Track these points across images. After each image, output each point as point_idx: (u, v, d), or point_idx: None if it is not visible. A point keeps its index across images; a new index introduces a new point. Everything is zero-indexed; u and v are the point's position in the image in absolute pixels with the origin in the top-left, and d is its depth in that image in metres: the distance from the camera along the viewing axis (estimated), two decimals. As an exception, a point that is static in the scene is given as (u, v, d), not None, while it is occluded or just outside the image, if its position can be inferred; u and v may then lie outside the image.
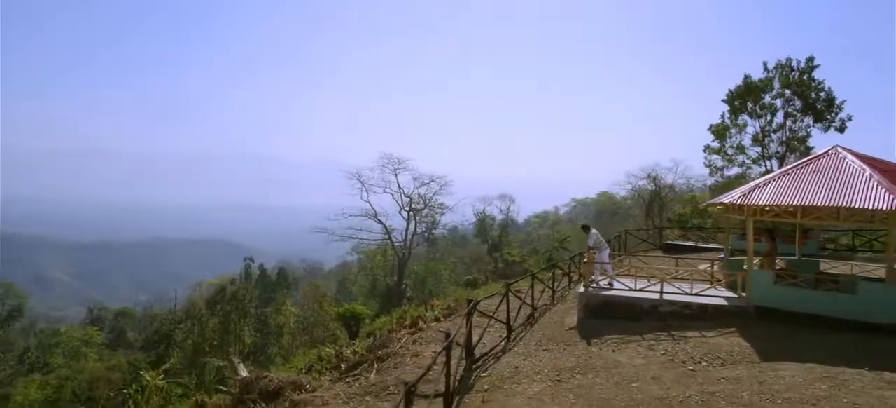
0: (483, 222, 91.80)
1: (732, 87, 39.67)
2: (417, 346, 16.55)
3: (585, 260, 17.71)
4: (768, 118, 39.06)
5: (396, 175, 57.52)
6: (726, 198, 16.13)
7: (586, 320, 16.26)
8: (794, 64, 37.73)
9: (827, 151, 16.17)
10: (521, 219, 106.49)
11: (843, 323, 14.20)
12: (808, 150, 38.16)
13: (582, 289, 16.66)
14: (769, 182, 15.54)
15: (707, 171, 43.08)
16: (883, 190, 13.68)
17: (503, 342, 15.81)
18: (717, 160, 41.12)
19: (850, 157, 15.48)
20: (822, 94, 37.13)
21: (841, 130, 37.03)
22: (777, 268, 18.27)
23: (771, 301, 15.11)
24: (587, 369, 12.77)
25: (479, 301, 15.10)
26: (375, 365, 15.60)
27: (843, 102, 36.94)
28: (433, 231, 67.45)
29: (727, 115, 40.32)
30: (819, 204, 14.02)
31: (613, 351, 13.89)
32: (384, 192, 57.36)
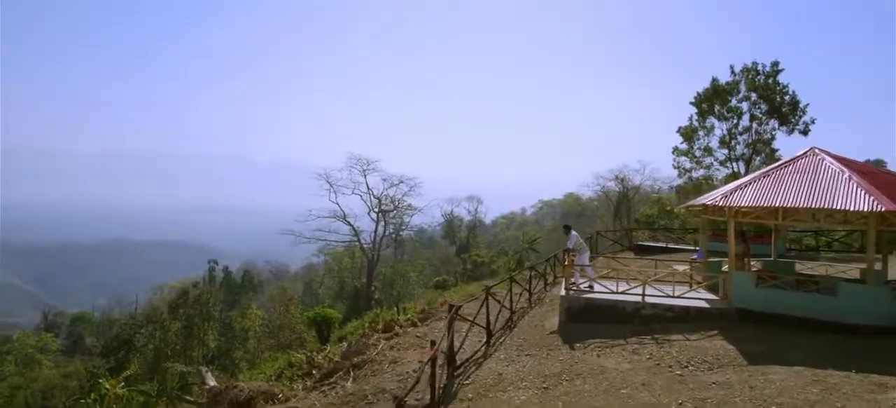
0: (451, 224, 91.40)
1: (700, 90, 39.94)
2: (395, 352, 15.94)
3: (566, 263, 17.27)
4: (734, 121, 39.40)
5: (365, 176, 56.64)
6: (708, 199, 15.94)
7: (568, 324, 15.89)
8: (759, 67, 38.14)
9: (805, 153, 16.11)
10: (488, 220, 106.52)
11: (824, 324, 14.12)
12: (773, 152, 38.60)
13: (563, 292, 16.29)
14: (751, 183, 15.40)
15: (675, 172, 43.30)
16: (863, 192, 13.61)
17: (483, 347, 15.28)
18: (686, 162, 41.37)
19: (828, 159, 15.44)
20: (787, 97, 37.57)
21: (805, 132, 37.55)
22: (754, 269, 18.20)
23: (752, 303, 14.95)
24: (573, 376, 12.35)
25: (460, 306, 14.46)
26: (352, 373, 14.95)
27: (806, 106, 37.49)
28: (401, 232, 66.65)
29: (695, 117, 40.57)
30: (802, 206, 13.87)
31: (598, 356, 13.52)
32: (353, 193, 56.40)
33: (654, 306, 15.47)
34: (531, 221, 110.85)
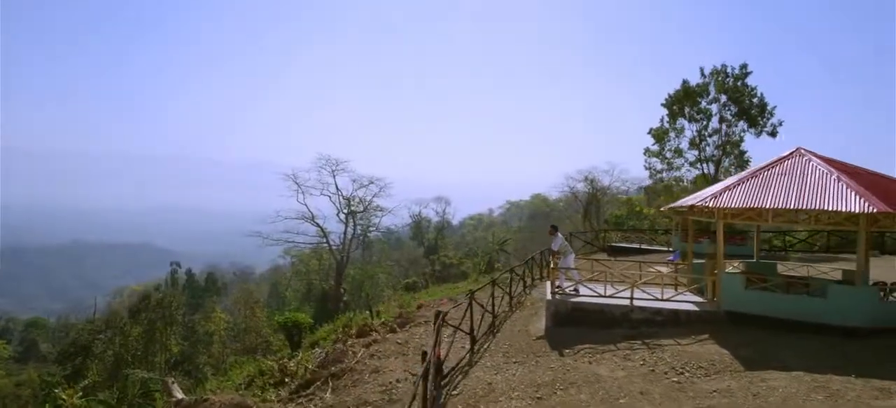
0: (419, 225, 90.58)
1: (671, 92, 40.00)
2: (376, 361, 15.11)
3: (552, 265, 16.65)
4: (704, 123, 39.56)
5: (334, 177, 55.47)
6: (696, 199, 15.50)
7: (554, 329, 15.29)
8: (729, 70, 38.36)
9: (791, 153, 15.83)
10: (455, 221, 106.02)
11: (814, 326, 13.82)
12: (743, 154, 38.85)
13: (549, 296, 15.66)
14: (739, 184, 15.03)
15: (646, 173, 43.33)
16: (853, 193, 13.33)
17: (467, 354, 14.56)
18: (657, 163, 41.39)
19: (815, 160, 15.19)
20: (755, 99, 37.83)
21: (773, 134, 37.91)
22: (736, 270, 17.89)
23: (742, 306, 14.57)
24: (567, 385, 11.73)
25: (447, 313, 13.71)
26: (330, 383, 14.10)
27: (774, 108, 37.85)
28: (368, 234, 65.52)
29: (666, 119, 40.62)
30: (793, 207, 13.51)
31: (590, 363, 12.93)
32: (321, 194, 55.21)
33: (642, 309, 14.99)
34: (499, 222, 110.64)
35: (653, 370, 12.21)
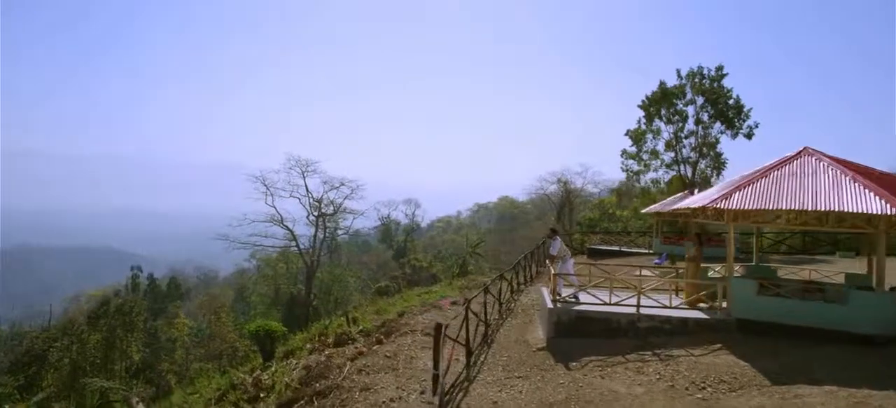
0: (388, 227, 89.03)
1: (648, 94, 39.40)
2: (365, 376, 13.71)
3: (551, 271, 15.48)
4: (680, 124, 39.09)
5: (305, 178, 53.49)
6: (704, 200, 14.51)
7: (557, 339, 14.14)
8: (704, 71, 37.94)
9: (798, 153, 15.03)
10: (423, 224, 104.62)
11: (832, 334, 12.97)
12: (719, 155, 38.47)
13: (550, 304, 14.48)
14: (748, 185, 14.09)
15: (623, 175, 42.67)
16: (871, 194, 12.52)
17: (464, 369, 13.29)
18: (634, 165, 40.74)
19: (825, 159, 14.40)
20: (730, 101, 37.48)
21: (748, 136, 37.51)
22: (738, 274, 17.02)
23: (754, 313, 13.67)
24: (583, 403, 10.60)
25: (447, 325, 12.42)
26: (316, 402, 12.70)
27: (750, 110, 37.52)
28: (336, 237, 63.61)
29: (643, 120, 40.03)
30: (811, 208, 12.62)
31: (602, 377, 11.81)
32: (291, 196, 53.15)
33: (650, 317, 13.95)
34: (467, 225, 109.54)
35: (672, 385, 11.15)
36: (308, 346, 24.34)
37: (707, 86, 37.57)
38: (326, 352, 21.54)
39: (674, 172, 39.56)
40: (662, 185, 40.01)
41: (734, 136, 37.74)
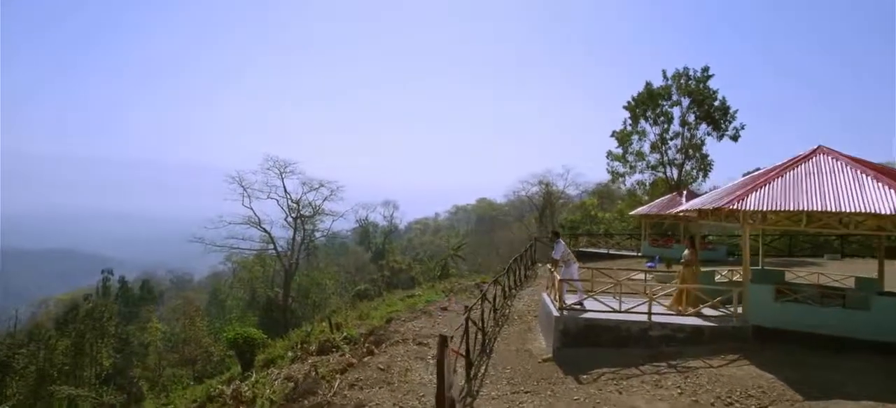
0: (366, 230, 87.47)
1: (634, 95, 38.73)
2: (358, 392, 12.55)
3: (556, 277, 14.45)
4: (665, 126, 38.48)
5: (283, 179, 51.90)
6: (717, 201, 13.61)
7: (563, 350, 13.12)
8: (690, 72, 37.37)
9: (813, 151, 14.23)
10: (401, 226, 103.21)
11: (855, 343, 12.16)
12: (705, 157, 37.93)
13: (556, 312, 13.46)
14: (762, 184, 13.23)
15: (608, 176, 41.87)
16: (896, 193, 11.70)
17: (465, 382, 12.19)
18: (619, 167, 39.98)
19: (842, 158, 13.60)
20: (716, 102, 36.97)
21: (734, 138, 37.06)
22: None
23: (771, 320, 12.82)
24: (605, 422, 9.56)
25: (451, 337, 11.31)
26: (305, 421, 11.52)
27: (736, 111, 37.04)
28: (313, 239, 62.02)
29: (628, 122, 39.36)
30: (835, 210, 11.78)
31: (619, 392, 10.82)
32: (268, 197, 51.54)
33: (662, 325, 13.01)
34: (445, 227, 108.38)
35: (696, 401, 10.21)
36: (290, 354, 23.07)
37: (693, 87, 37.00)
38: (310, 361, 20.30)
39: (659, 175, 38.94)
40: (647, 187, 39.40)
41: (720, 137, 37.27)
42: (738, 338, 12.85)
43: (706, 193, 39.52)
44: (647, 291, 13.59)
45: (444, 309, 21.58)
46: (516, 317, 18.18)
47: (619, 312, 13.39)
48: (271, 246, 52.84)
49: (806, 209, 12.14)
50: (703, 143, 37.85)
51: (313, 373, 14.75)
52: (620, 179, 40.82)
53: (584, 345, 13.08)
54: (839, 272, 19.65)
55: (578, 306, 14.19)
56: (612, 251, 33.02)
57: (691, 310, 14.01)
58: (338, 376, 13.91)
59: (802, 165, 13.74)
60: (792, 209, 12.22)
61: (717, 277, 16.12)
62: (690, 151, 37.86)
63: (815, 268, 24.14)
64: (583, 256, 31.57)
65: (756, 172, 15.33)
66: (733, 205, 12.77)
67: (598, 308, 13.90)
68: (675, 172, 37.99)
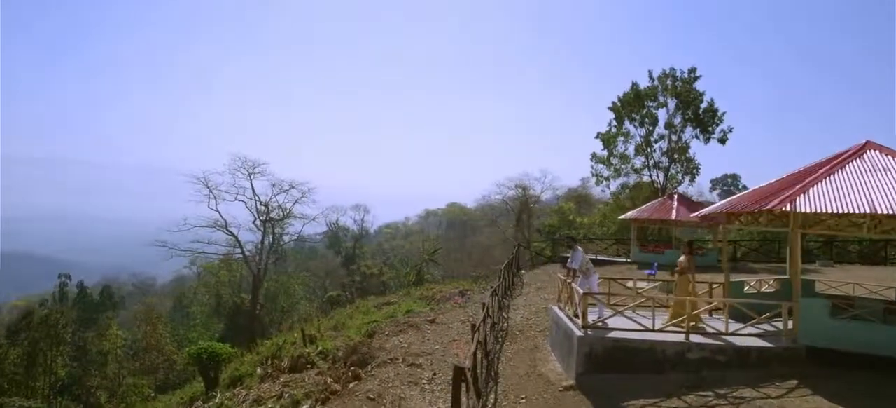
0: (336, 234, 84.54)
1: (620, 95, 37.10)
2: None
3: (579, 291, 12.31)
4: (650, 128, 36.97)
5: (251, 180, 48.90)
6: (759, 203, 11.68)
7: (588, 376, 11.01)
8: (677, 73, 35.96)
9: (861, 147, 12.43)
10: (372, 230, 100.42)
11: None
12: (691, 161, 36.51)
13: (580, 332, 11.33)
14: (810, 184, 11.35)
15: (592, 179, 40.10)
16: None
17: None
18: (604, 169, 38.27)
19: (892, 154, 11.79)
20: (703, 104, 35.60)
21: (722, 141, 35.70)
22: (768, 288, 14.39)
23: (827, 340, 10.93)
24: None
25: (469, 367, 9.06)
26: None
27: (723, 114, 35.67)
28: (281, 244, 59.03)
29: (613, 123, 37.71)
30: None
31: (669, 432, 8.72)
32: (236, 199, 48.51)
33: (701, 346, 11.01)
34: (416, 231, 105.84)
35: (765, 444, 8.20)
36: (259, 371, 20.54)
37: (680, 88, 35.54)
38: (282, 379, 17.91)
39: (644, 178, 37.45)
40: (628, 190, 37.87)
41: (707, 140, 35.91)
42: (790, 361, 10.93)
43: (693, 197, 38.60)
44: (687, 306, 11.56)
45: (432, 322, 19.31)
46: (517, 332, 16.06)
47: (653, 330, 11.34)
48: (238, 250, 49.76)
49: (880, 212, 10.25)
50: (688, 146, 36.43)
51: (286, 396, 12.34)
52: (605, 183, 39.09)
53: (613, 370, 10.99)
54: (855, 280, 17.99)
55: (601, 324, 12.11)
56: (600, 257, 31.15)
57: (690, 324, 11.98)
58: (318, 406, 11.56)
59: (852, 163, 11.93)
60: (859, 212, 10.33)
61: (746, 289, 14.20)
62: (676, 155, 36.37)
63: (815, 275, 22.55)
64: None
65: (798, 172, 13.44)
66: (785, 206, 10.85)
67: (623, 325, 11.83)
68: (661, 176, 36.51)
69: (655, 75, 36.28)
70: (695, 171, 36.67)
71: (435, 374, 13.11)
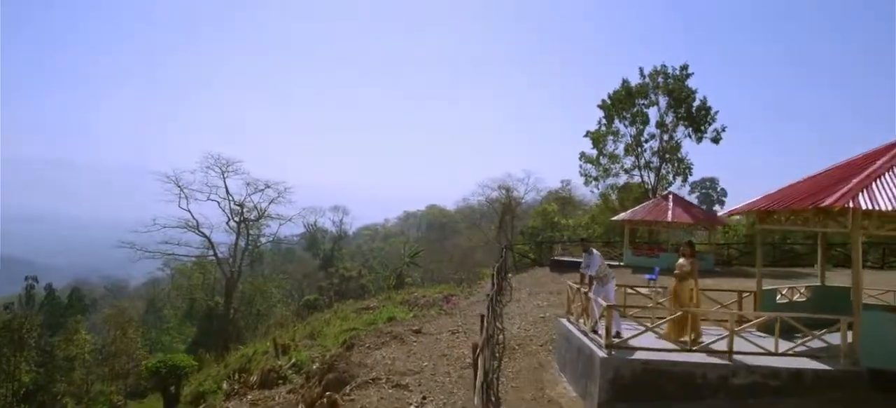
0: (314, 235, 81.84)
1: (610, 92, 35.37)
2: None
3: (600, 302, 10.16)
4: (641, 127, 35.28)
5: (224, 179, 46.22)
6: (805, 201, 9.72)
7: (613, 404, 8.91)
8: (669, 70, 34.31)
9: (915, 137, 10.49)
10: (351, 231, 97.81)
11: None
12: (682, 161, 34.87)
13: (603, 352, 9.22)
14: (873, 178, 9.46)
15: (582, 180, 38.21)
16: None
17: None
18: (592, 170, 36.40)
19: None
20: (695, 102, 34.01)
21: (715, 140, 34.11)
22: (799, 297, 12.47)
23: (894, 362, 8.91)
24: None
25: None
26: None
27: (716, 112, 34.06)
28: (258, 245, 56.28)
29: (603, 121, 35.92)
30: None
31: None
32: (208, 199, 45.81)
33: (748, 369, 9.00)
34: (395, 233, 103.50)
35: None
36: (225, 386, 18.22)
37: (672, 85, 33.88)
38: (249, 396, 15.64)
39: (635, 179, 35.83)
40: (616, 191, 36.16)
41: (699, 140, 34.26)
42: (850, 386, 8.99)
43: (685, 197, 37.04)
44: (730, 321, 9.53)
45: (418, 332, 17.07)
46: (516, 345, 13.93)
47: (690, 350, 9.29)
48: (211, 252, 47.05)
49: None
50: (679, 145, 34.80)
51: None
52: (593, 183, 37.22)
53: (642, 397, 8.94)
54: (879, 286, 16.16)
55: (615, 338, 10.01)
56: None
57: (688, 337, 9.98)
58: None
59: (914, 153, 10.06)
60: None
61: (778, 298, 12.26)
62: (668, 154, 34.70)
63: (805, 280, 20.62)
64: (562, 266, 27.68)
65: (836, 166, 11.52)
66: (847, 203, 8.91)
67: (651, 343, 9.77)
68: (652, 176, 34.84)
69: (647, 72, 34.63)
70: (687, 171, 35.06)
71: (425, 398, 10.94)
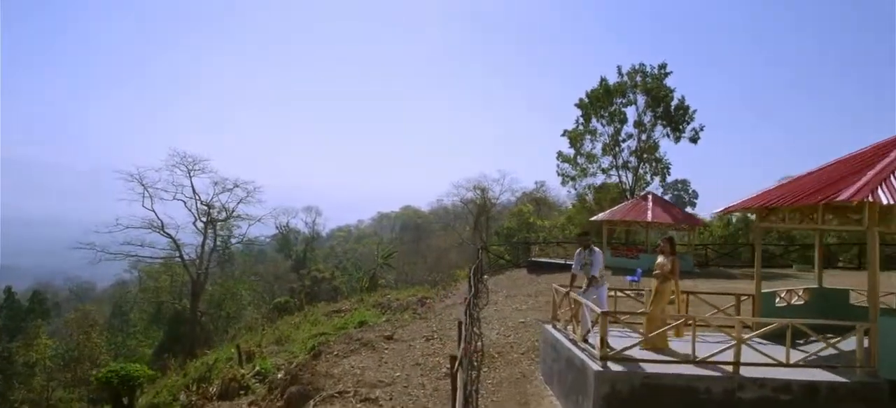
0: (286, 236, 79.81)
1: (588, 91, 34.52)
2: None
3: (596, 308, 9.06)
4: (618, 126, 34.53)
5: (191, 178, 44.22)
6: (834, 194, 8.74)
7: (610, 424, 7.80)
8: (647, 69, 33.60)
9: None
10: (324, 232, 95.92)
11: None
12: (660, 160, 34.17)
13: (598, 365, 8.11)
14: (889, 171, 8.53)
15: (559, 180, 37.30)
16: None
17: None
18: (570, 169, 35.49)
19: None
20: (674, 102, 33.38)
21: (694, 140, 33.50)
22: (797, 300, 11.56)
23: (915, 372, 8.00)
24: None
25: None
26: None
27: (694, 111, 33.45)
28: (229, 245, 54.24)
29: (581, 120, 35.06)
30: None
31: None
32: (174, 198, 43.78)
33: (756, 382, 7.97)
34: (369, 234, 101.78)
35: None
36: (182, 398, 16.74)
37: (650, 84, 33.18)
38: (209, 408, 14.25)
39: (612, 179, 35.07)
40: (592, 192, 35.36)
41: (677, 139, 33.64)
42: (870, 400, 8.03)
43: (665, 196, 36.50)
44: (736, 330, 8.50)
45: (390, 338, 15.83)
46: (495, 353, 12.77)
47: (694, 362, 8.24)
48: (177, 254, 45.03)
49: None
50: (657, 145, 34.13)
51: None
52: (570, 183, 36.32)
53: (641, 416, 7.85)
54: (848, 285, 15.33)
55: (586, 343, 8.90)
56: (569, 262, 28.21)
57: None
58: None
59: (928, 147, 9.18)
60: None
61: (777, 301, 11.33)
62: (645, 154, 33.98)
63: (794, 281, 19.92)
64: (539, 267, 26.68)
65: (838, 160, 10.63)
66: (867, 197, 7.96)
67: (647, 354, 8.71)
68: (630, 176, 34.08)
69: (625, 71, 33.92)
70: (665, 171, 34.42)
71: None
